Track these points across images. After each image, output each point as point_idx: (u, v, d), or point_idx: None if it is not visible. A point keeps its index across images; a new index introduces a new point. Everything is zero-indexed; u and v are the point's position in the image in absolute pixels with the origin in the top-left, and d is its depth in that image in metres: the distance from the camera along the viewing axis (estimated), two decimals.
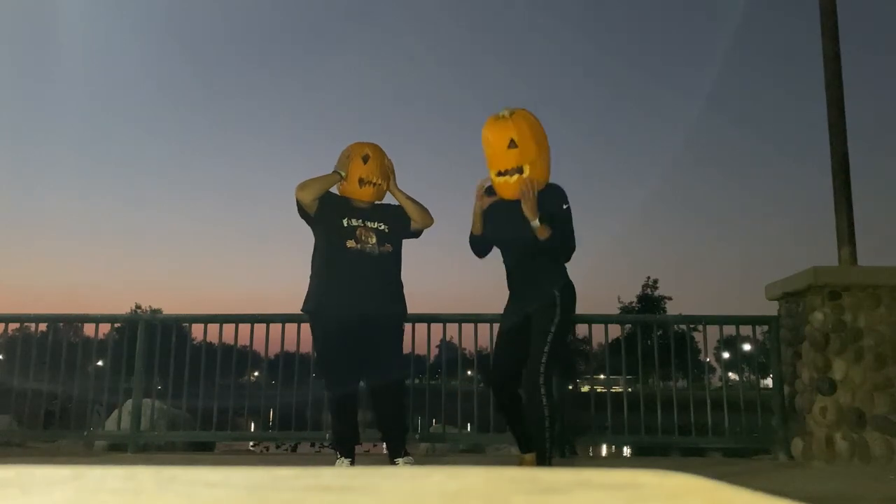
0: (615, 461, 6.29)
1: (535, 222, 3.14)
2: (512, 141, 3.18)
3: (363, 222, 3.59)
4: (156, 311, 51.07)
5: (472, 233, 3.44)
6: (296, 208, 3.63)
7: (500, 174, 3.23)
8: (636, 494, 0.43)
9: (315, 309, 3.60)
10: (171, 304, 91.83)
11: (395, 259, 3.66)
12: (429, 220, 3.75)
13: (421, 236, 3.81)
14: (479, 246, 3.48)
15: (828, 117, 4.70)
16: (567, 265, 3.38)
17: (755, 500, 0.42)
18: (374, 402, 3.67)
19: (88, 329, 5.45)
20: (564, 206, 3.26)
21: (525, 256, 3.29)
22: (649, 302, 56.34)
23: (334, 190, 3.67)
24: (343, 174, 3.57)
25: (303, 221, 3.69)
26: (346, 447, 3.57)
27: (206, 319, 5.31)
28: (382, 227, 3.61)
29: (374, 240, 3.56)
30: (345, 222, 3.56)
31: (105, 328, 5.51)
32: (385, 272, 3.61)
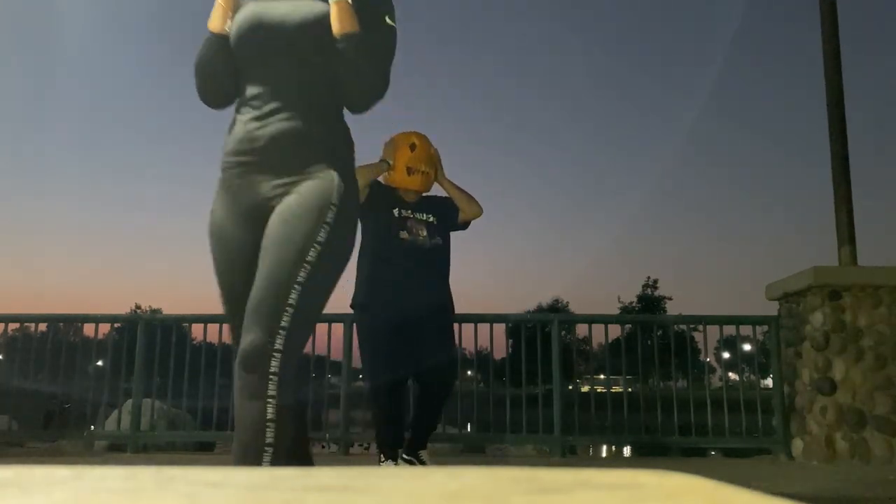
0: (615, 461, 6.30)
1: None
2: None
3: (412, 213, 3.49)
4: (156, 311, 51.06)
5: (209, 31, 1.82)
6: None
7: None
8: (636, 494, 0.43)
9: (367, 301, 3.45)
10: (171, 304, 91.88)
11: (446, 252, 3.56)
12: (477, 210, 3.61)
13: (468, 228, 3.69)
14: (212, 64, 1.81)
15: (828, 117, 4.71)
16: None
17: (755, 500, 0.42)
18: (420, 396, 3.54)
19: (88, 329, 5.46)
20: (387, 20, 1.83)
21: (295, 88, 1.73)
22: (649, 302, 56.49)
23: (381, 180, 3.57)
24: (390, 163, 3.46)
25: None
26: (392, 449, 3.42)
27: (206, 319, 5.30)
28: (431, 218, 3.52)
29: (425, 232, 3.46)
30: (396, 213, 3.46)
31: (105, 328, 5.51)
32: (437, 265, 3.50)
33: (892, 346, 4.19)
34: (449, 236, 3.61)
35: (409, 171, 3.46)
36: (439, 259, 3.51)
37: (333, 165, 1.70)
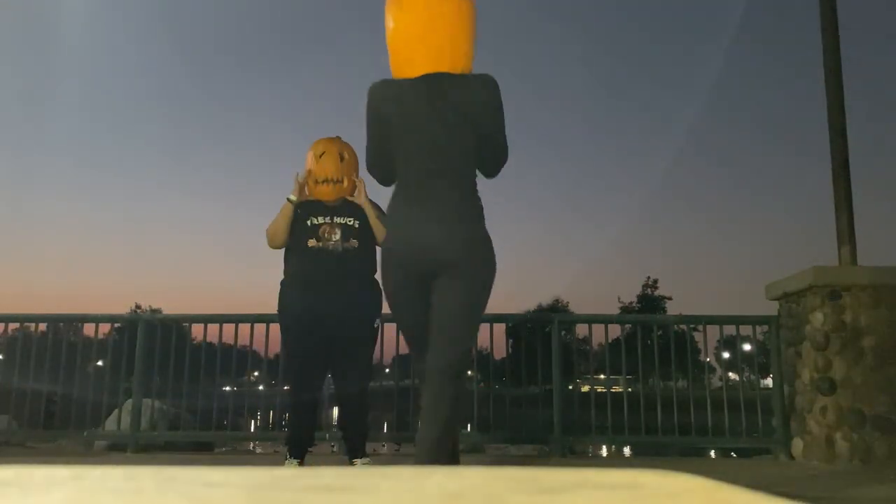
0: (615, 461, 6.30)
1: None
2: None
3: (331, 219, 3.46)
4: (156, 311, 51.00)
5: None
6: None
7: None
8: (636, 494, 0.43)
9: (279, 311, 3.56)
10: (171, 304, 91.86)
11: (363, 253, 3.47)
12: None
13: None
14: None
15: (828, 117, 4.70)
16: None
17: (755, 500, 0.42)
18: (338, 402, 3.66)
19: (88, 329, 5.45)
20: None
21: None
22: (649, 302, 56.45)
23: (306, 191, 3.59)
24: (293, 198, 3.46)
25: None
26: (298, 448, 3.51)
27: (206, 319, 5.30)
28: (351, 221, 3.47)
29: (337, 236, 3.43)
30: (309, 222, 3.46)
31: (105, 328, 5.51)
32: (349, 269, 3.44)
33: (892, 346, 4.18)
34: (372, 238, 3.49)
35: (317, 182, 3.45)
36: (352, 262, 3.43)
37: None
